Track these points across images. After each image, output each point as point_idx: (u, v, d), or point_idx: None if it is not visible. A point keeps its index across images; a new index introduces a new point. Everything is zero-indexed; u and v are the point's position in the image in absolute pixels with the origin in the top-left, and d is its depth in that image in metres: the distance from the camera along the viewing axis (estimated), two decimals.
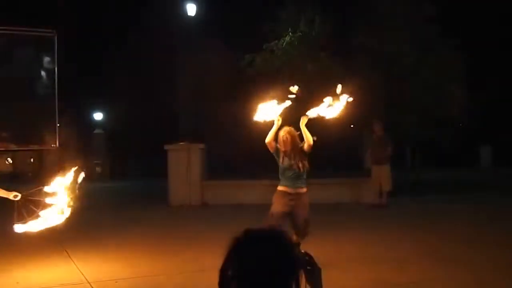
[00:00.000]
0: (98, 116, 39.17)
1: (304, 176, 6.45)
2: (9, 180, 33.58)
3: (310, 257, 1.89)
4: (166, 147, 14.79)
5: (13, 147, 17.53)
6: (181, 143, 15.02)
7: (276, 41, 17.29)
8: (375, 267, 6.46)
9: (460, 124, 19.39)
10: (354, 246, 7.90)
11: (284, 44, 17.20)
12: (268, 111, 6.34)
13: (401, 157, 23.93)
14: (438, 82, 16.10)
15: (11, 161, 40.27)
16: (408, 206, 12.86)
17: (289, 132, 6.39)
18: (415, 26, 16.58)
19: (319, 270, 1.61)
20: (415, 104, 16.12)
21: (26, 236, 9.53)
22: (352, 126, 18.87)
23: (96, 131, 39.69)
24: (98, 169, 40.13)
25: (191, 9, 18.62)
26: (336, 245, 7.87)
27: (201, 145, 14.94)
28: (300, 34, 17.24)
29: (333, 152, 27.17)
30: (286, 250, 1.63)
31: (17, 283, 6.03)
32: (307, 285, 1.90)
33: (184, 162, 14.45)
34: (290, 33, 17.18)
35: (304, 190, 6.47)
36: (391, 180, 12.89)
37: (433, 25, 16.34)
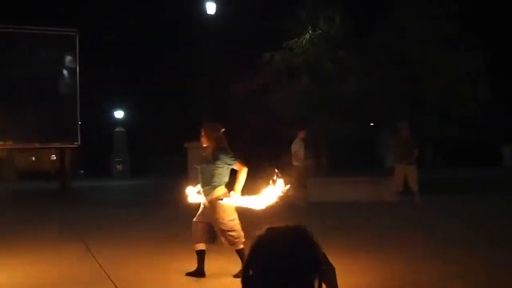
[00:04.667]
0: (119, 114, 39.49)
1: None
2: (32, 177, 34.16)
3: (324, 255, 1.90)
4: (186, 145, 14.89)
5: (36, 145, 17.87)
6: (198, 141, 15.10)
7: (296, 39, 17.30)
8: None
9: (481, 123, 19.20)
10: (370, 242, 7.87)
11: (304, 42, 17.20)
12: None
13: (422, 157, 23.75)
14: (459, 80, 15.96)
15: (34, 159, 40.93)
16: (430, 205, 12.73)
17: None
18: (436, 24, 16.45)
19: (334, 269, 1.62)
20: (436, 103, 16.00)
21: (46, 231, 9.74)
22: (372, 124, 18.80)
23: (117, 129, 40.11)
24: (119, 166, 40.59)
25: (210, 8, 18.69)
26: (346, 247, 7.83)
27: None
28: (320, 32, 17.23)
29: (352, 151, 27.12)
30: (309, 248, 1.62)
31: (41, 279, 6.14)
32: (323, 284, 1.91)
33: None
34: (310, 31, 17.17)
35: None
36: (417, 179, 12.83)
37: (454, 23, 16.19)
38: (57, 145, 17.88)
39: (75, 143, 17.33)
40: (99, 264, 6.78)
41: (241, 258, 5.71)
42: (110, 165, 40.85)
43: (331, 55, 17.32)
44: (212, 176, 5.90)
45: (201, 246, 5.94)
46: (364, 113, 17.49)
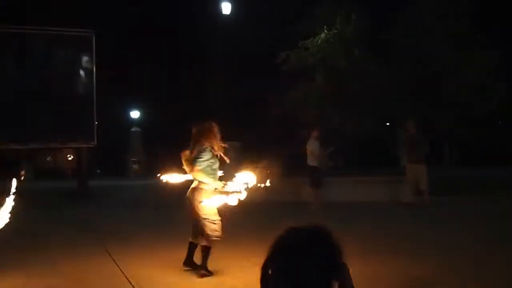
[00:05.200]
0: (135, 114, 39.67)
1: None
2: (49, 177, 34.47)
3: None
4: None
5: (53, 144, 18.03)
6: None
7: (311, 39, 17.25)
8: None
9: (500, 122, 18.99)
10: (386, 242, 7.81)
11: (319, 41, 17.14)
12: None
13: (439, 156, 23.54)
14: (477, 78, 15.79)
15: (51, 159, 41.32)
16: (446, 205, 12.60)
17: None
18: (453, 21, 16.30)
19: (348, 270, 1.61)
20: (453, 102, 15.85)
21: (62, 230, 9.81)
22: (387, 124, 18.70)
23: (133, 129, 40.34)
24: (135, 166, 40.83)
25: (226, 8, 18.72)
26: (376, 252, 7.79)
27: (237, 143, 15.00)
28: (336, 31, 17.16)
29: (368, 150, 26.97)
30: (330, 249, 1.61)
31: (58, 279, 6.19)
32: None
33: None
34: (326, 31, 17.12)
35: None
36: (428, 179, 12.64)
37: (471, 20, 16.02)
38: (74, 145, 18.02)
39: (92, 143, 17.44)
40: (116, 264, 6.82)
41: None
42: (126, 164, 41.12)
43: (346, 54, 17.25)
44: None
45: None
46: (380, 112, 17.39)
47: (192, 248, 6.41)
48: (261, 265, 1.63)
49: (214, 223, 6.13)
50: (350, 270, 1.69)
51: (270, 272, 1.59)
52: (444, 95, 15.97)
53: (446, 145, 24.81)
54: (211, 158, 6.25)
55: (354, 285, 1.65)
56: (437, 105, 15.88)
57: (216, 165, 6.32)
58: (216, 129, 6.40)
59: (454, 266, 6.31)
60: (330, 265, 1.59)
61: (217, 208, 6.18)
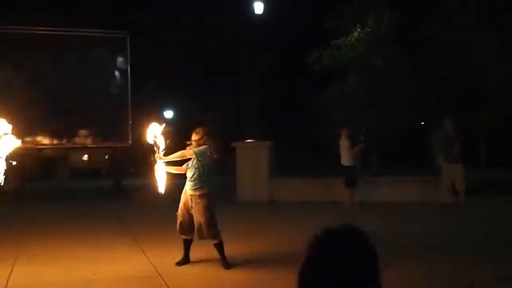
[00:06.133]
0: (168, 114, 40.09)
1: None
2: (85, 176, 35.14)
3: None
4: (234, 144, 14.93)
5: (89, 144, 18.34)
6: (248, 140, 15.14)
7: (344, 37, 17.12)
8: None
9: None
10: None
11: (352, 40, 17.00)
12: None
13: (476, 156, 23.09)
14: None
15: (87, 158, 42.09)
16: (482, 206, 12.30)
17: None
18: (490, 16, 15.90)
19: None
20: (491, 100, 15.49)
21: (97, 228, 9.98)
22: (422, 123, 18.40)
23: (167, 128, 40.75)
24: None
25: (258, 8, 18.69)
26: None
27: (269, 143, 14.99)
28: (369, 29, 16.99)
29: (402, 150, 26.62)
30: (368, 249, 1.59)
31: (94, 274, 6.29)
32: None
33: (252, 159, 14.54)
34: (358, 29, 16.96)
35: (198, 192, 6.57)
36: (464, 179, 12.34)
37: (509, 14, 15.58)
38: (109, 144, 18.30)
39: (127, 142, 17.68)
40: (149, 260, 6.90)
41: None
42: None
43: (379, 52, 17.06)
44: None
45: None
46: (415, 111, 17.13)
47: (188, 244, 6.66)
48: (297, 264, 1.61)
49: (214, 219, 6.50)
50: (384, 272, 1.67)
51: (309, 274, 1.57)
52: (484, 93, 15.58)
53: (483, 145, 24.31)
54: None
55: (389, 286, 1.62)
56: (476, 104, 15.54)
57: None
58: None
59: (490, 267, 6.17)
60: (366, 268, 1.56)
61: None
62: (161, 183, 6.63)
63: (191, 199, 6.54)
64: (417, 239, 8.21)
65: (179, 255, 6.70)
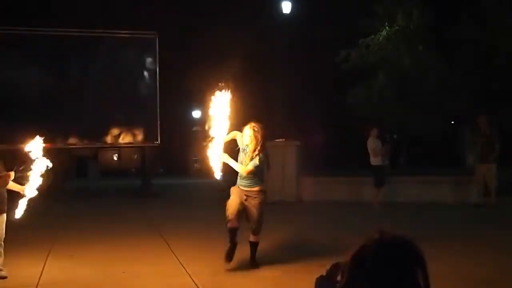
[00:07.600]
0: (196, 114, 40.26)
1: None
2: (114, 175, 35.58)
3: None
4: None
5: (118, 143, 18.58)
6: (277, 140, 15.13)
7: (372, 36, 16.98)
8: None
9: None
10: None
11: (381, 38, 16.85)
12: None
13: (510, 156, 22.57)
14: None
15: (117, 157, 42.67)
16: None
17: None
18: None
19: None
20: None
21: (127, 227, 10.10)
22: (452, 122, 18.12)
23: (195, 128, 41.01)
24: (196, 165, 41.47)
25: (286, 7, 18.66)
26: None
27: (297, 142, 14.97)
28: (397, 28, 16.81)
29: (432, 149, 26.26)
30: (419, 265, 1.57)
31: (123, 272, 6.37)
32: None
33: (280, 158, 14.54)
34: (387, 28, 16.80)
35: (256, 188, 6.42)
36: (497, 179, 12.07)
37: None
38: (139, 144, 18.50)
39: (156, 142, 17.85)
40: (178, 260, 6.95)
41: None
42: (189, 164, 41.84)
43: (409, 51, 16.86)
44: None
45: None
46: (445, 110, 16.87)
47: (235, 232, 6.35)
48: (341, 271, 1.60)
49: (263, 217, 6.45)
50: None
51: (358, 277, 1.56)
52: None
53: None
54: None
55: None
56: (507, 100, 15.23)
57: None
58: None
59: None
60: (420, 275, 1.56)
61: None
62: (217, 169, 6.28)
63: (245, 196, 6.38)
64: (445, 238, 8.09)
65: (207, 255, 6.71)
